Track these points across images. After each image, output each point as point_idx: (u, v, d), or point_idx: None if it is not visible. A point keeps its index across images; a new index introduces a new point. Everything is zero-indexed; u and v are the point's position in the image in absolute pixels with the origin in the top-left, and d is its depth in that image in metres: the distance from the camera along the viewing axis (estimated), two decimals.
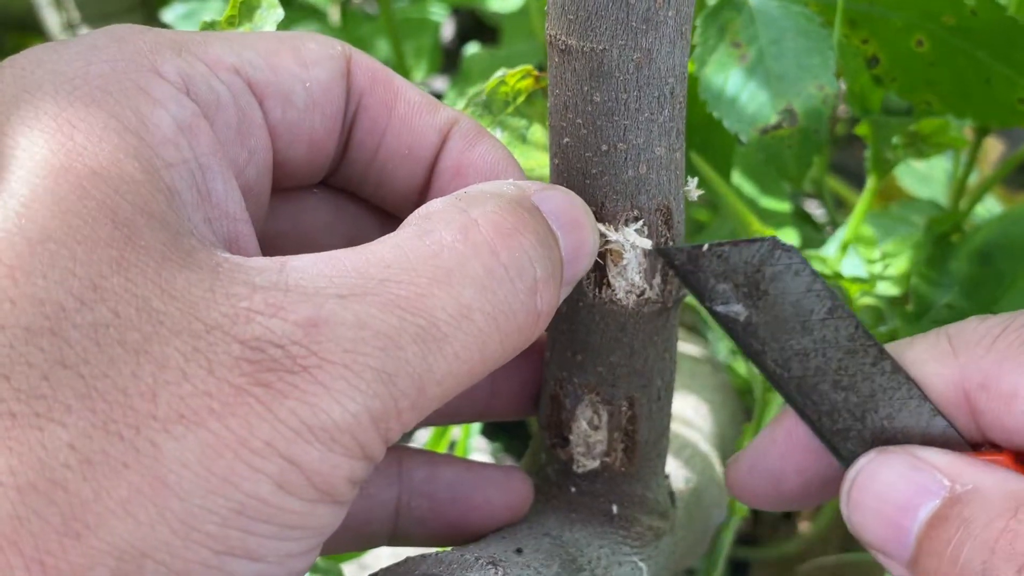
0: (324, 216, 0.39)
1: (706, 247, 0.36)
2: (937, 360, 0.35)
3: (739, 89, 0.50)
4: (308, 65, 0.35)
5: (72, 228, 0.28)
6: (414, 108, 0.37)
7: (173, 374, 0.27)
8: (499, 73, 0.48)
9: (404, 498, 0.41)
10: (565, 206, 0.34)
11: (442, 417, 0.44)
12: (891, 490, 0.34)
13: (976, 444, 0.35)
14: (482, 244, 0.31)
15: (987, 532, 0.31)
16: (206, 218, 0.31)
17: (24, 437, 0.26)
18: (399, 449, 0.42)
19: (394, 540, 0.42)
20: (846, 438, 0.36)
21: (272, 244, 0.37)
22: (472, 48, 0.87)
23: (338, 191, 0.39)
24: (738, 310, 0.36)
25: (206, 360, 0.27)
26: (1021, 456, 0.34)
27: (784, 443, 0.38)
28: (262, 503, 0.27)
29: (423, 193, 0.38)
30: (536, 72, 0.47)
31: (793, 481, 0.38)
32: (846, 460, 0.36)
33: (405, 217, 0.33)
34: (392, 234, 0.31)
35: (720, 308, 0.36)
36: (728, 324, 0.36)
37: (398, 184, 0.38)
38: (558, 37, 0.35)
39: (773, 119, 0.50)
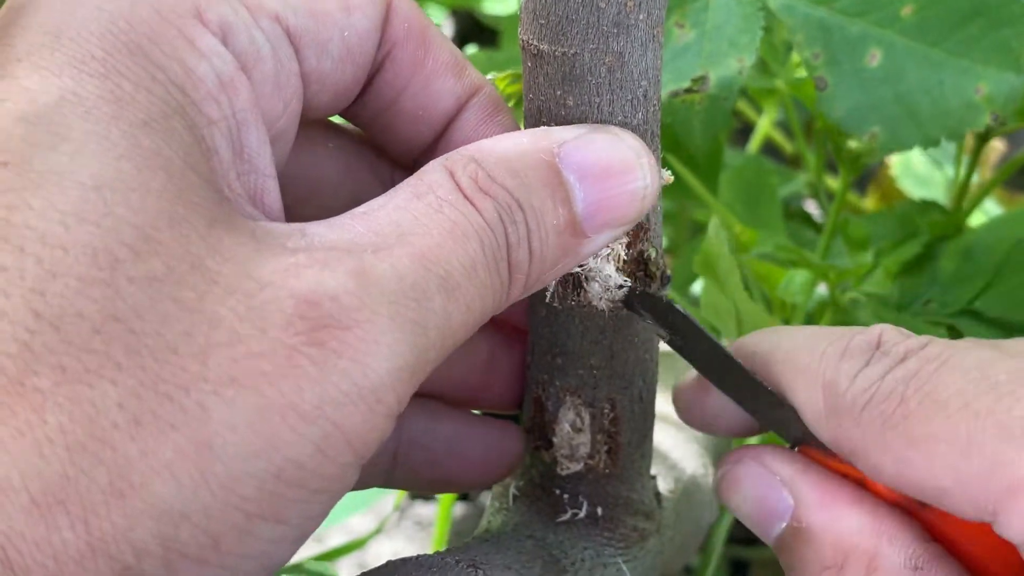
0: (333, 172, 0.38)
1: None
2: (813, 413, 0.35)
3: (664, 64, 0.50)
4: (351, 10, 0.34)
5: (125, 176, 0.28)
6: (440, 68, 0.36)
7: (226, 334, 0.27)
8: (488, 77, 0.48)
9: (402, 448, 0.41)
10: (595, 156, 0.34)
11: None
12: (747, 506, 0.36)
13: None
14: (470, 200, 0.32)
15: None
16: (237, 173, 0.31)
17: (74, 393, 0.26)
18: None
19: (388, 484, 0.42)
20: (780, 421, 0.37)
21: (284, 190, 0.36)
22: (470, 50, 0.87)
23: (350, 149, 0.39)
24: (662, 333, 0.38)
25: (260, 319, 0.27)
26: None
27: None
28: (299, 467, 0.27)
29: (426, 153, 0.37)
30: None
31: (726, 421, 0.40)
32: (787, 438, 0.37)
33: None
34: (386, 197, 0.32)
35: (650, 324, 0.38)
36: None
37: (403, 137, 0.38)
38: (530, 42, 0.35)
39: (685, 84, 0.50)
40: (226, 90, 0.31)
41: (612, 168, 0.34)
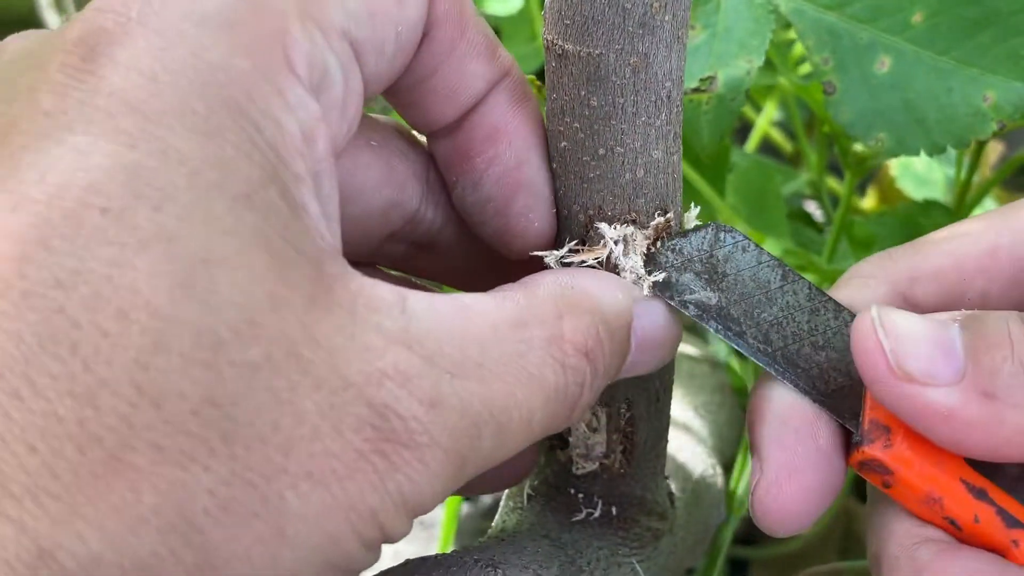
0: (375, 173, 0.38)
1: (658, 245, 0.37)
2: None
3: None
4: (404, 2, 0.33)
5: (231, 253, 0.27)
6: (473, 50, 0.36)
7: (308, 429, 0.27)
8: None
9: None
10: (655, 327, 0.36)
11: None
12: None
13: None
14: (561, 360, 0.32)
15: None
16: (327, 224, 0.30)
17: (168, 474, 0.26)
18: None
19: None
20: (842, 396, 0.37)
21: None
22: None
23: (392, 145, 0.39)
24: (708, 295, 0.37)
25: (338, 418, 0.28)
26: None
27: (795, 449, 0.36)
28: (347, 558, 0.28)
29: (452, 130, 0.37)
30: (537, 82, 0.47)
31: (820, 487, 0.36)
32: (849, 420, 0.36)
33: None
34: (494, 308, 0.32)
35: (691, 298, 0.37)
36: (704, 315, 0.37)
37: (429, 114, 0.37)
38: (555, 42, 0.35)
39: (694, 84, 0.50)
40: (308, 142, 0.30)
41: (662, 343, 0.37)
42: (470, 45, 0.36)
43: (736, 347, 0.37)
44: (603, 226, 0.37)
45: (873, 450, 0.34)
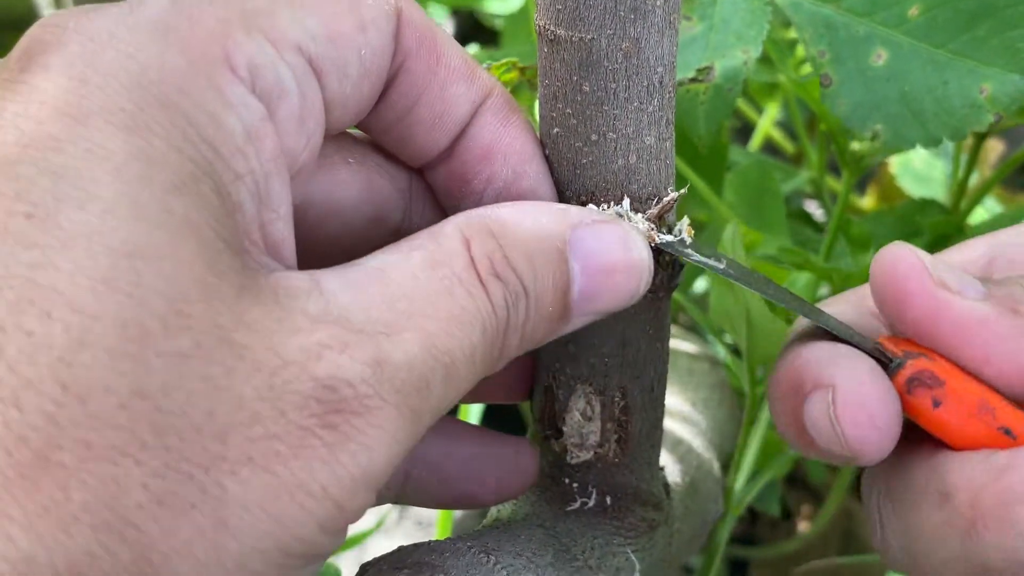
0: (354, 192, 0.38)
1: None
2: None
3: None
4: (365, 27, 0.33)
5: (157, 244, 0.27)
6: (452, 75, 0.36)
7: (245, 414, 0.27)
8: (484, 66, 0.48)
9: (416, 469, 0.41)
10: (603, 250, 0.35)
11: None
12: None
13: None
14: (478, 284, 0.32)
15: None
16: (260, 224, 0.31)
17: (99, 471, 0.26)
18: None
19: (398, 501, 0.42)
20: (863, 340, 0.36)
21: (303, 215, 0.37)
22: (471, 49, 0.87)
23: (370, 162, 0.39)
24: (715, 263, 0.37)
25: (279, 399, 0.27)
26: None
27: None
28: (302, 542, 0.28)
29: (444, 158, 0.38)
30: (521, 65, 0.47)
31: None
32: (881, 355, 0.36)
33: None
34: (402, 254, 0.32)
35: (697, 258, 0.37)
36: (713, 269, 0.38)
37: (419, 145, 0.37)
38: (547, 27, 0.35)
39: (691, 74, 0.50)
40: (253, 141, 0.30)
41: (616, 267, 0.35)
42: (448, 69, 0.36)
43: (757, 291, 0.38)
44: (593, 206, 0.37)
45: (920, 363, 0.34)
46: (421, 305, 0.30)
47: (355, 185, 0.38)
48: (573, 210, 0.35)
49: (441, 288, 0.31)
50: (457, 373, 0.31)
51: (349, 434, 0.28)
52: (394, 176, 0.39)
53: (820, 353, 0.36)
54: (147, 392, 0.26)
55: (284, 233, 0.32)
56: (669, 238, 0.37)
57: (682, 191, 0.37)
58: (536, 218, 0.34)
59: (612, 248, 0.35)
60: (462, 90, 0.36)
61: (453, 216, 0.34)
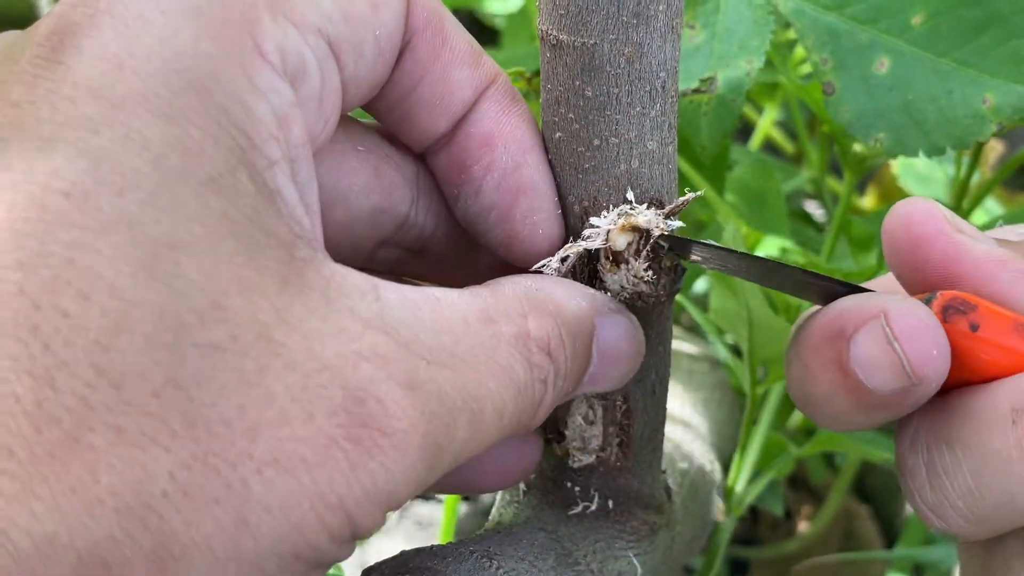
0: (362, 178, 0.38)
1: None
2: None
3: None
4: (379, 7, 0.33)
5: (197, 238, 0.27)
6: (457, 58, 0.36)
7: (275, 413, 0.27)
8: None
9: None
10: (618, 341, 0.37)
11: None
12: None
13: None
14: (527, 356, 0.33)
15: None
16: (304, 209, 0.31)
17: (128, 456, 0.26)
18: None
19: None
20: None
21: None
22: None
23: (379, 151, 0.39)
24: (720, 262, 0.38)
25: (310, 402, 0.27)
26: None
27: None
28: (314, 550, 0.28)
29: (446, 143, 0.37)
30: (527, 74, 0.47)
31: None
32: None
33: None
34: (464, 302, 0.32)
35: (700, 255, 0.38)
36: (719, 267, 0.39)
37: (421, 127, 0.37)
38: (549, 32, 0.35)
39: (695, 84, 0.50)
40: (282, 127, 0.30)
41: (624, 357, 0.37)
42: (453, 53, 0.36)
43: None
44: (595, 220, 0.37)
45: (950, 293, 0.35)
46: (465, 349, 0.31)
47: (363, 172, 0.38)
48: (598, 297, 0.36)
49: (489, 343, 0.32)
50: (484, 422, 0.31)
51: (372, 452, 0.28)
52: (401, 165, 0.39)
53: (857, 299, 0.36)
54: (180, 382, 0.26)
55: (315, 217, 0.32)
56: (679, 224, 0.37)
57: (699, 192, 0.38)
58: (579, 303, 0.35)
59: (626, 339, 0.37)
60: (465, 74, 0.36)
61: (508, 278, 0.35)
